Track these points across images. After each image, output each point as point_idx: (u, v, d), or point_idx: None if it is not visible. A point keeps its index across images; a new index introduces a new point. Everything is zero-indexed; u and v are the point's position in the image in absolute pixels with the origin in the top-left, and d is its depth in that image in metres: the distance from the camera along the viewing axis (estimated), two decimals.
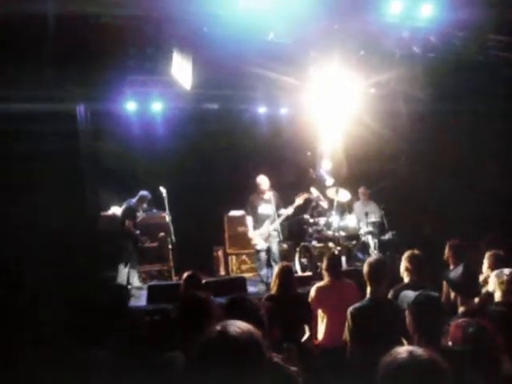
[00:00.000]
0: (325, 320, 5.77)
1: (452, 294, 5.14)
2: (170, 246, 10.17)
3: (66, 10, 6.11)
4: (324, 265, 6.04)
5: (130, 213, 9.75)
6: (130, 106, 10.06)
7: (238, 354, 1.92)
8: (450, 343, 3.40)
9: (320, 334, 5.79)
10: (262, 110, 11.24)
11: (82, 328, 6.04)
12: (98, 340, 5.43)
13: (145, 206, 10.08)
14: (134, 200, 9.86)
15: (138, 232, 9.69)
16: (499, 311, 4.49)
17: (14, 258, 7.00)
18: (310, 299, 5.82)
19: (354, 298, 5.42)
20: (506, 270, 4.73)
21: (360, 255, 10.06)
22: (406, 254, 5.58)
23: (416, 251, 5.61)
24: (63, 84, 7.05)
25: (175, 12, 6.81)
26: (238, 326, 1.99)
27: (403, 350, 2.16)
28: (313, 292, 5.85)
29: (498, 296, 4.70)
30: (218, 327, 1.98)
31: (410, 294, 3.76)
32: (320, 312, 5.79)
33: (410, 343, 3.63)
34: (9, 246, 6.86)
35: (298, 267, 9.82)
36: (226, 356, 1.91)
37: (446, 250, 6.60)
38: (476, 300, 4.95)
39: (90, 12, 6.37)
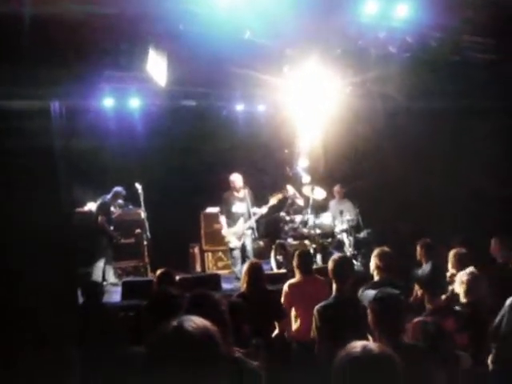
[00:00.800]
0: (298, 315, 5.86)
1: (419, 292, 5.22)
2: (145, 243, 10.18)
3: (39, 8, 6.07)
4: (295, 262, 6.11)
5: (103, 208, 9.76)
6: (108, 102, 9.98)
7: (193, 349, 1.95)
8: (410, 340, 3.47)
9: (294, 329, 5.87)
10: (239, 107, 11.26)
11: (56, 325, 6.06)
12: (72, 336, 5.46)
13: (120, 201, 10.06)
14: (108, 196, 9.87)
15: (111, 228, 9.69)
16: (464, 312, 4.58)
17: None
18: (282, 295, 5.89)
19: (324, 294, 5.50)
20: (467, 270, 4.82)
21: (335, 253, 10.11)
22: (376, 252, 5.60)
23: (386, 248, 5.64)
24: (37, 81, 7.00)
25: (151, 9, 6.79)
26: (193, 321, 2.02)
27: (358, 345, 2.21)
28: (285, 288, 5.94)
29: (461, 296, 4.79)
30: (174, 323, 2.01)
31: (371, 292, 3.82)
32: (293, 308, 5.88)
33: (374, 340, 3.69)
34: None
35: (273, 264, 9.86)
36: (181, 351, 1.94)
37: (418, 249, 6.68)
38: (443, 298, 5.04)
39: (64, 9, 6.33)
